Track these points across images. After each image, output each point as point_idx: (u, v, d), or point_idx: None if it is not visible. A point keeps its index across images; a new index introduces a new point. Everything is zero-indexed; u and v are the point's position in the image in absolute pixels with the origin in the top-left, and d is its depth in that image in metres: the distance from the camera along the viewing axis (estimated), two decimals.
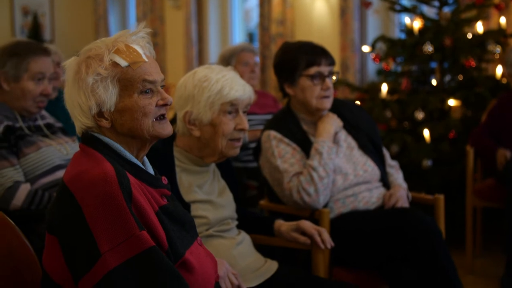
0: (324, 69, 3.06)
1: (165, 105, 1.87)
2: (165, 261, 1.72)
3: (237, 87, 2.47)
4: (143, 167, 1.90)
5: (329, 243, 2.66)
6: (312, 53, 3.07)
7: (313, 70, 3.05)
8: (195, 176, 2.54)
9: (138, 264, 1.68)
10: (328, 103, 3.10)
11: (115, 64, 1.81)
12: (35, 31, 9.99)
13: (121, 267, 1.66)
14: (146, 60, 1.85)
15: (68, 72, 1.85)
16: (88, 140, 1.85)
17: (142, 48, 1.87)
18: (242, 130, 2.52)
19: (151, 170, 1.95)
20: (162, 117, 1.88)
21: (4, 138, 2.82)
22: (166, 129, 1.90)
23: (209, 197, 2.53)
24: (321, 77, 3.06)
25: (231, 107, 2.47)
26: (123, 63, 1.82)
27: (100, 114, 1.83)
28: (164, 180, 1.95)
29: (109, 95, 1.81)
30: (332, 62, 3.10)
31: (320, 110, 3.10)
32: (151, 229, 1.76)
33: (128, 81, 1.82)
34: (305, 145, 3.05)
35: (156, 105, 1.86)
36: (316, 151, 2.98)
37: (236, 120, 2.50)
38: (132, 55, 1.83)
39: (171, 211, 1.89)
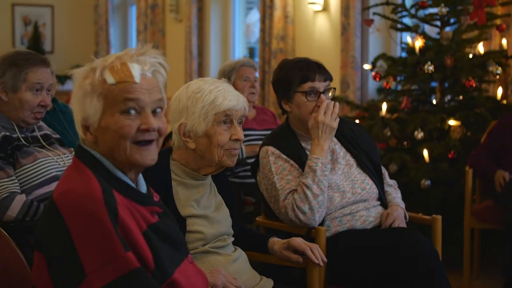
0: (319, 85, 3.03)
1: (147, 131, 1.80)
2: (150, 283, 1.70)
3: (230, 97, 2.45)
4: (132, 184, 1.86)
5: (322, 259, 2.63)
6: (307, 69, 3.04)
7: (306, 86, 3.03)
8: (191, 190, 2.52)
9: (122, 286, 1.66)
10: None
11: (104, 81, 1.79)
12: (35, 41, 10.02)
13: None
14: (137, 81, 1.79)
15: (74, 80, 1.84)
16: (81, 153, 1.83)
17: (141, 69, 1.81)
18: (237, 140, 2.49)
19: (142, 187, 1.92)
20: (144, 142, 1.81)
21: (0, 149, 2.81)
22: (145, 157, 1.82)
23: (205, 212, 2.51)
24: (316, 93, 3.04)
25: (225, 118, 2.45)
26: (110, 80, 1.78)
27: (86, 128, 1.82)
28: (156, 197, 1.92)
29: (94, 111, 1.79)
30: (327, 78, 3.07)
31: None
32: (137, 250, 1.73)
33: (112, 99, 1.78)
34: (303, 162, 3.02)
35: (139, 129, 1.79)
36: (309, 169, 2.95)
37: (231, 130, 2.47)
38: (123, 73, 1.79)
39: (160, 229, 1.86)
